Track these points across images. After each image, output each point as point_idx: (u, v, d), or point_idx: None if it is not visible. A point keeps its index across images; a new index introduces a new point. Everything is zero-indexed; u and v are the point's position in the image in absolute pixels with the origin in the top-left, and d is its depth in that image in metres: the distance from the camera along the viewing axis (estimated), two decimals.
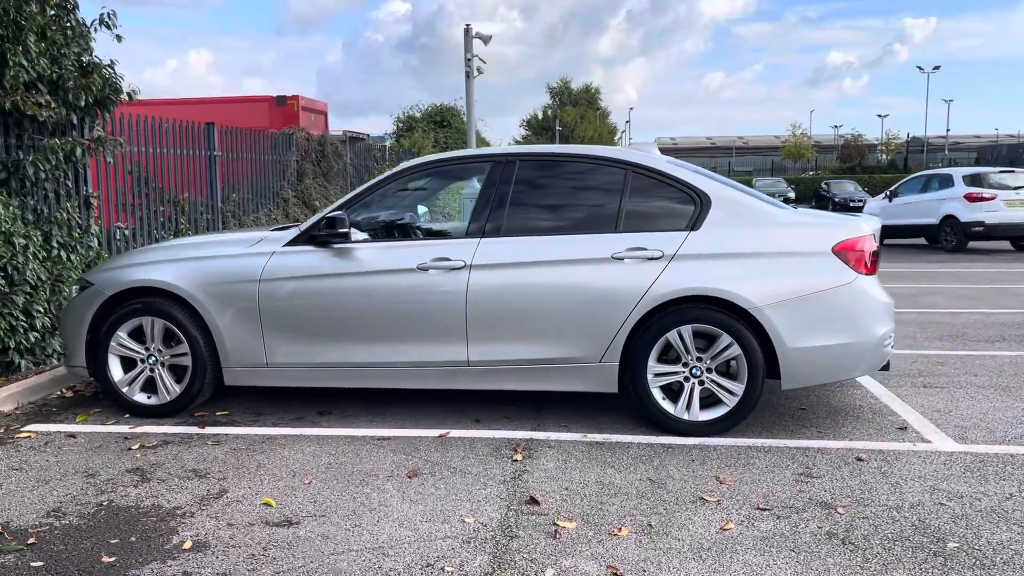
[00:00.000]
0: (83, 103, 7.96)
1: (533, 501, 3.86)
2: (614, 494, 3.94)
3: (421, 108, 24.25)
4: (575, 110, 51.18)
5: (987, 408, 5.25)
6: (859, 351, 4.70)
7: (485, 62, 17.28)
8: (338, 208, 5.13)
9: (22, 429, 5.03)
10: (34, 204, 7.97)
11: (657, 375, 4.74)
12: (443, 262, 4.86)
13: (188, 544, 3.46)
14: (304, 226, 5.14)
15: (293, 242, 5.08)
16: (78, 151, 8.09)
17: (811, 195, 40.06)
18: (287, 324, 5.03)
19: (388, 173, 5.25)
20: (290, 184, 13.74)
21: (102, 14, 8.76)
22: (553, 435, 4.79)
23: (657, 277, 4.67)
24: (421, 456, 4.47)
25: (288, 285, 5.01)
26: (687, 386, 4.73)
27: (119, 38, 8.87)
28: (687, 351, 4.69)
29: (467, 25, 16.53)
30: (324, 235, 5.00)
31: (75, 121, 8.17)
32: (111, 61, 8.66)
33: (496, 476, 4.17)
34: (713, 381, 4.71)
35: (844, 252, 4.66)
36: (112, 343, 5.18)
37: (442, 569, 3.22)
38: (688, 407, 4.73)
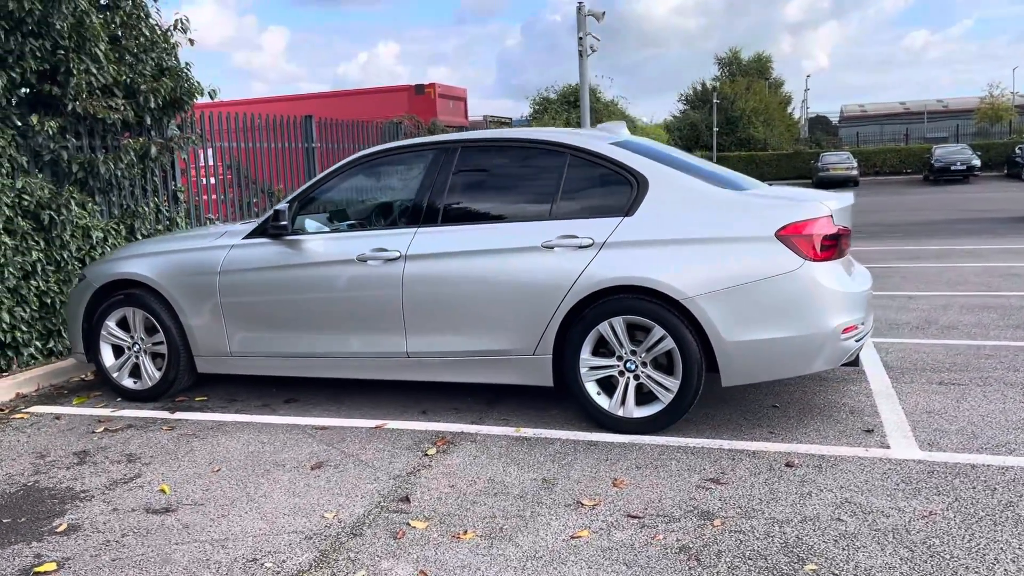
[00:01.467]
0: (152, 105, 8.47)
1: (405, 499, 3.80)
2: (494, 494, 3.81)
3: (556, 89, 24.15)
4: (742, 80, 49.13)
5: (992, 411, 4.64)
6: (807, 345, 4.27)
7: (599, 39, 16.92)
8: (291, 200, 5.22)
9: (24, 410, 5.49)
10: (120, 200, 8.64)
11: (592, 368, 4.52)
12: (381, 253, 4.85)
13: (63, 527, 3.66)
14: (262, 219, 5.28)
15: (251, 235, 5.23)
16: (152, 150, 8.66)
17: (1002, 162, 36.52)
18: (243, 314, 5.19)
19: (336, 165, 5.28)
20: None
21: (176, 20, 9.33)
22: (485, 429, 4.68)
23: (586, 266, 4.44)
24: (340, 447, 4.50)
25: (243, 277, 5.17)
26: (622, 381, 4.49)
27: (191, 42, 9.41)
28: (620, 344, 4.44)
29: (579, 2, 16.24)
30: (270, 228, 5.11)
31: (148, 122, 8.74)
32: (186, 64, 9.21)
33: (393, 471, 4.13)
34: (649, 376, 4.43)
35: (788, 236, 4.24)
36: (103, 332, 5.55)
37: (262, 564, 3.24)
38: (623, 403, 4.49)
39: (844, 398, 4.98)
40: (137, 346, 5.50)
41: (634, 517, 3.50)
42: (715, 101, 41.87)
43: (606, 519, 3.50)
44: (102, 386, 5.87)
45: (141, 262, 5.48)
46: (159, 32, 8.94)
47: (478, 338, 4.70)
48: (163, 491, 4.02)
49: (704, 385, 4.41)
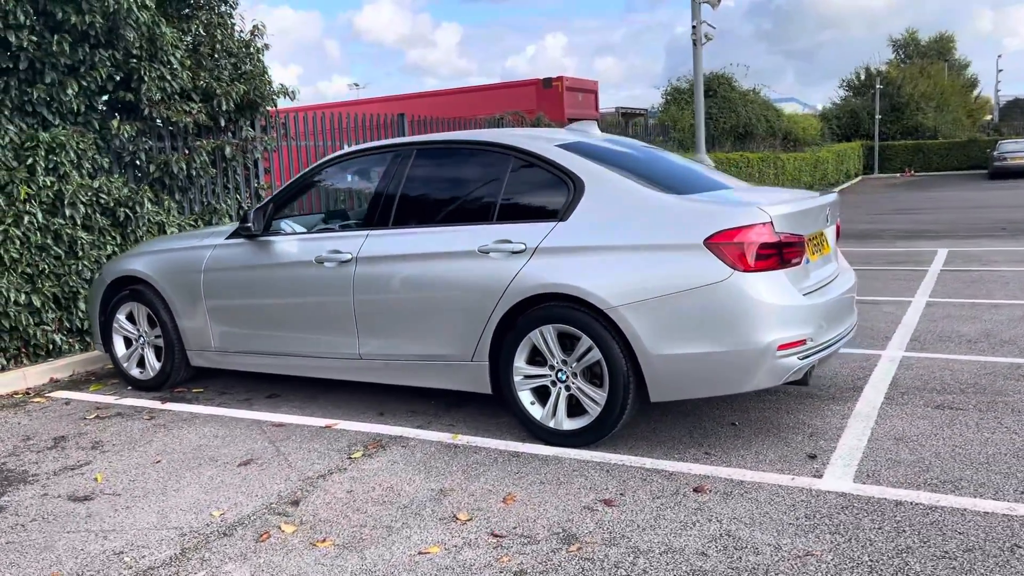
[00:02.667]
0: (225, 108, 8.94)
1: (295, 502, 3.85)
2: (382, 502, 3.79)
3: (689, 78, 23.40)
4: (916, 64, 45.83)
5: (970, 442, 4.16)
6: (738, 361, 3.97)
7: (715, 27, 16.27)
8: (267, 202, 5.37)
9: (48, 394, 5.97)
10: (200, 197, 9.21)
11: (527, 377, 4.40)
12: (335, 255, 4.91)
13: None
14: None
15: (232, 235, 5.43)
16: (227, 150, 9.16)
17: None
18: (223, 312, 5.41)
19: (309, 168, 5.38)
20: None
21: (254, 27, 9.80)
22: (425, 434, 4.66)
23: (518, 272, 4.33)
24: (279, 445, 4.61)
25: (222, 276, 5.38)
26: (553, 391, 4.35)
27: (266, 47, 9.83)
28: (552, 354, 4.30)
29: None
30: (241, 229, 5.28)
31: (223, 124, 9.23)
32: (262, 69, 9.65)
33: (308, 472, 4.20)
34: (579, 388, 4.27)
35: (717, 245, 3.96)
36: (115, 324, 5.93)
37: (122, 558, 3.38)
38: (554, 414, 4.35)
39: (815, 418, 4.60)
40: (142, 339, 5.84)
41: (496, 536, 3.40)
42: (877, 87, 39.27)
43: (467, 536, 3.41)
44: (119, 375, 6.27)
45: (142, 260, 5.81)
46: (236, 39, 9.41)
47: (421, 342, 4.68)
48: (96, 480, 4.26)
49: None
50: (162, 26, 8.15)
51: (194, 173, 8.88)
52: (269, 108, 10.08)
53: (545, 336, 4.28)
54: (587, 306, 4.15)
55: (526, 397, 4.41)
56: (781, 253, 4.03)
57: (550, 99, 21.39)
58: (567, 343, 4.27)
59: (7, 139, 7.27)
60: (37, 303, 6.58)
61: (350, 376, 5.02)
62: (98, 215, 7.71)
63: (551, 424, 4.35)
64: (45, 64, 7.39)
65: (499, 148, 4.66)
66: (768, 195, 4.53)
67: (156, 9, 8.12)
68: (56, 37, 7.23)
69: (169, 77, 8.37)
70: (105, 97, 8.38)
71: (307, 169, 5.36)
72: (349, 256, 4.85)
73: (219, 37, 9.05)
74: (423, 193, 4.90)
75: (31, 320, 6.77)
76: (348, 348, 4.94)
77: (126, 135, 8.17)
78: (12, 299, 6.62)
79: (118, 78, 8.06)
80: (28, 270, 7.03)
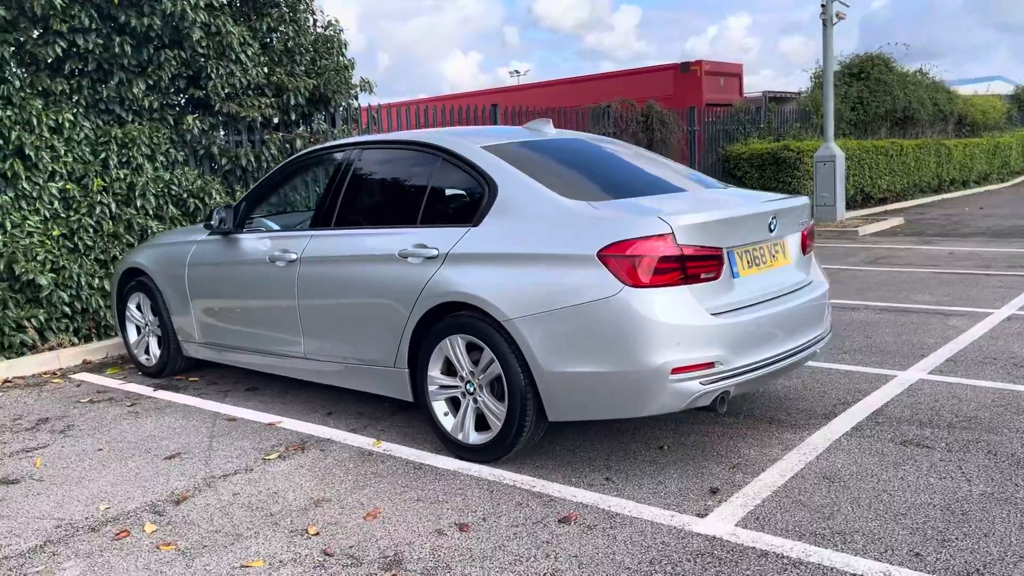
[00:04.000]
0: (293, 103, 9.24)
1: (178, 501, 3.92)
2: (254, 507, 3.79)
3: (842, 59, 21.83)
4: None
5: (905, 487, 3.65)
6: (628, 384, 3.67)
7: (848, 6, 15.03)
8: (242, 199, 5.47)
9: (70, 376, 6.40)
10: None
11: (442, 387, 4.28)
12: (284, 254, 4.95)
13: None
14: None
15: (211, 232, 5.58)
16: (298, 143, 9.47)
17: None
18: (202, 305, 5.59)
19: (278, 166, 5.42)
20: None
21: (328, 21, 10.04)
22: (351, 438, 4.63)
23: (430, 279, 4.20)
24: (217, 439, 4.71)
25: (200, 271, 5.56)
26: (463, 403, 4.20)
27: (346, 43, 10.01)
28: (461, 364, 4.16)
29: None
30: (206, 226, 5.42)
31: (293, 117, 9.54)
32: (339, 64, 9.85)
33: (216, 470, 4.26)
34: (484, 401, 4.11)
35: (609, 257, 3.67)
36: (127, 312, 6.27)
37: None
38: (463, 426, 4.20)
39: (754, 447, 4.19)
40: (147, 327, 6.15)
41: (327, 554, 3.32)
42: None
43: (300, 552, 3.35)
44: (132, 360, 6.62)
45: (145, 253, 6.10)
46: (311, 36, 9.65)
47: (352, 345, 4.65)
48: (35, 464, 4.51)
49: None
50: (227, 25, 8.48)
51: (264, 165, 9.22)
52: (347, 101, 10.34)
53: (454, 346, 4.13)
54: (489, 317, 3.97)
55: (440, 407, 4.28)
56: (685, 268, 3.67)
57: (688, 84, 20.67)
58: (476, 355, 4.11)
59: (82, 135, 7.82)
60: (108, 287, 7.11)
61: (299, 375, 5.06)
62: (169, 205, 8.18)
63: (459, 437, 4.20)
64: (113, 65, 7.87)
65: (429, 149, 4.53)
66: (696, 201, 4.15)
67: (224, 9, 8.47)
68: (118, 39, 7.69)
69: (239, 74, 8.71)
70: (183, 94, 8.86)
71: (277, 166, 5.41)
72: (295, 256, 4.88)
73: (291, 34, 9.32)
74: (361, 194, 4.85)
75: (102, 303, 7.31)
76: (295, 347, 4.98)
77: (197, 130, 8.59)
78: (86, 283, 7.18)
79: (188, 76, 8.50)
80: (101, 256, 7.57)
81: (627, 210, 3.85)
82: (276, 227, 5.44)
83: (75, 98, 7.84)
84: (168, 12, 7.76)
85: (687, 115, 16.19)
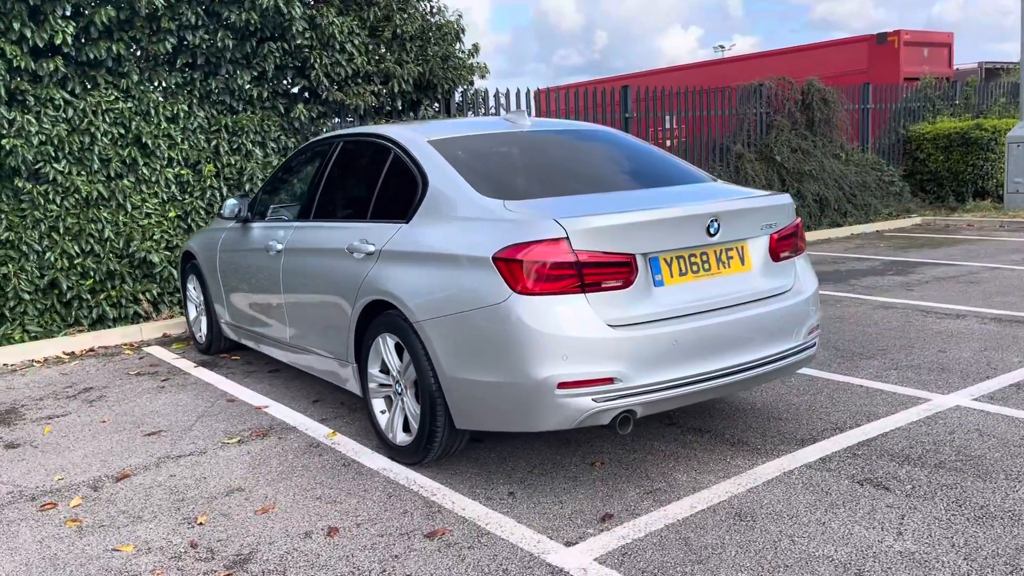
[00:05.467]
0: (397, 90, 9.46)
1: (121, 478, 4.16)
2: (173, 492, 3.94)
3: None
4: None
5: (808, 535, 3.20)
6: (516, 397, 3.46)
7: None
8: (260, 189, 5.66)
9: (144, 348, 6.95)
10: None
11: (381, 385, 4.25)
12: (273, 244, 5.09)
13: None
14: None
15: (235, 220, 5.82)
16: None
17: None
18: (227, 288, 5.87)
19: (288, 156, 5.54)
20: (749, 139, 13.12)
21: (439, 7, 10.14)
22: (314, 427, 4.70)
23: (366, 275, 4.17)
24: (199, 421, 4.95)
25: (225, 256, 5.84)
26: (394, 402, 4.15)
27: (463, 30, 10.05)
28: (390, 363, 4.11)
29: None
30: (222, 215, 5.65)
31: (400, 105, 9.76)
32: (455, 51, 9.93)
33: (175, 451, 4.47)
34: (407, 403, 4.04)
35: (501, 261, 3.46)
36: (187, 293, 6.71)
37: None
38: (392, 426, 4.16)
39: (688, 472, 3.82)
40: (199, 307, 6.54)
41: (193, 546, 3.39)
42: None
43: (170, 540, 3.44)
44: (191, 337, 7.04)
45: (197, 237, 6.47)
46: (419, 24, 9.78)
47: (319, 337, 4.71)
48: (44, 432, 4.95)
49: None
50: (330, 16, 8.78)
51: None
52: (463, 86, 10.41)
53: (385, 345, 4.08)
54: (406, 317, 3.88)
55: (378, 405, 4.25)
56: (581, 275, 3.39)
57: (884, 57, 19.03)
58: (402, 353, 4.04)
59: (196, 124, 8.43)
60: None
61: (287, 361, 5.19)
62: None
63: (390, 436, 4.16)
64: (220, 58, 8.39)
65: (385, 141, 4.47)
66: (618, 201, 3.79)
67: (331, 0, 8.77)
68: (220, 34, 8.17)
69: (344, 63, 9.01)
70: (292, 84, 9.30)
71: (287, 158, 5.55)
72: (280, 247, 5.00)
73: (397, 22, 9.50)
74: (333, 186, 4.87)
75: None
76: (281, 333, 5.11)
77: (304, 117, 9.00)
78: None
79: (295, 67, 8.90)
80: None
81: (534, 211, 3.60)
82: (287, 217, 5.58)
83: (189, 90, 8.41)
84: (264, 7, 8.13)
85: (860, 92, 14.91)
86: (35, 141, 7.33)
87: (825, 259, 10.21)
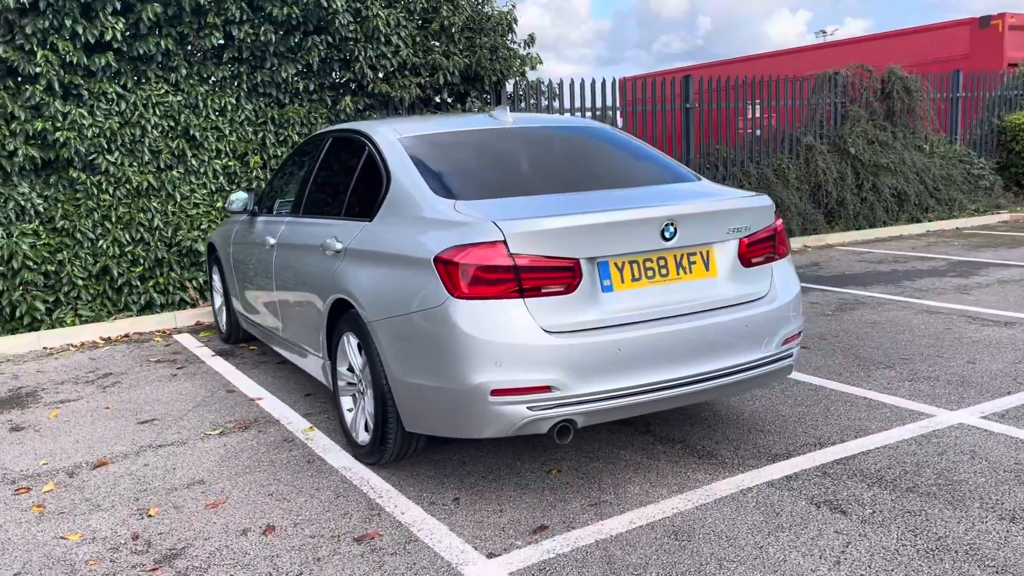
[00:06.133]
0: (442, 81, 9.46)
1: (98, 466, 4.28)
2: (141, 481, 4.03)
3: None
4: None
5: (740, 559, 3.04)
6: (454, 403, 3.40)
7: None
8: (269, 182, 5.73)
9: (173, 336, 7.16)
10: None
11: (349, 383, 4.26)
12: (268, 239, 5.15)
13: None
14: None
15: (245, 212, 5.91)
16: None
17: None
18: (238, 280, 5.98)
19: (291, 152, 5.57)
20: (822, 130, 12.61)
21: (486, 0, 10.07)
22: (297, 420, 4.74)
23: (333, 272, 4.17)
24: (192, 410, 5.06)
25: (235, 248, 5.95)
26: (359, 401, 4.15)
27: (516, 20, 9.97)
28: (353, 361, 4.11)
29: None
30: (227, 209, 5.74)
31: (446, 96, 9.75)
32: (496, 43, 9.87)
33: (160, 440, 4.58)
34: (366, 402, 4.03)
35: (439, 263, 3.40)
36: (213, 283, 6.88)
37: None
38: (355, 424, 4.15)
39: (643, 485, 3.68)
40: (223, 297, 6.70)
41: (135, 538, 3.46)
42: None
43: (119, 531, 3.52)
44: (216, 326, 7.19)
45: (218, 230, 6.61)
46: (463, 13, 9.72)
47: (303, 332, 4.74)
48: (50, 416, 5.15)
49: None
50: (375, 9, 8.82)
51: None
52: (514, 78, 10.32)
53: (348, 343, 4.08)
54: (362, 316, 3.86)
55: (346, 402, 4.25)
56: (519, 279, 3.30)
57: (987, 41, 18.01)
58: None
59: (243, 116, 8.64)
60: None
61: (283, 354, 5.25)
62: None
63: (353, 434, 4.15)
64: (265, 52, 8.55)
65: (363, 138, 4.45)
66: (570, 203, 3.65)
67: None
68: (263, 28, 8.32)
69: (390, 55, 9.06)
70: (337, 76, 9.38)
71: (290, 153, 5.59)
72: (273, 241, 5.05)
73: (444, 14, 9.48)
74: (319, 182, 4.89)
75: None
76: (275, 327, 5.18)
77: (349, 109, 9.10)
78: None
79: (341, 60, 8.99)
80: None
81: (481, 213, 3.51)
82: (285, 211, 5.63)
83: (236, 83, 8.60)
84: (305, 1, 8.24)
85: (950, 80, 14.13)
86: (89, 134, 7.62)
87: (887, 258, 9.74)
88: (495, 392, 3.27)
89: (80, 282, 7.61)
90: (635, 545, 3.14)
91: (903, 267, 9.04)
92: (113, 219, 7.81)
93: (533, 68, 10.35)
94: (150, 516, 3.63)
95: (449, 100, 9.81)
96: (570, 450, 4.09)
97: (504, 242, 3.28)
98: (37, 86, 7.49)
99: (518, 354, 3.26)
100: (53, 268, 7.49)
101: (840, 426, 4.24)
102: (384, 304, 3.66)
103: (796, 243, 11.24)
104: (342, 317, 4.09)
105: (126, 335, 7.26)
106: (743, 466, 3.80)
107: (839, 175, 12.36)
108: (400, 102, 9.34)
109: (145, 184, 7.98)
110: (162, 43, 7.98)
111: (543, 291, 3.31)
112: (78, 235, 7.69)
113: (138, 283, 7.83)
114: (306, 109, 8.97)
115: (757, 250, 3.77)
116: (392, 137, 4.21)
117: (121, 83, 7.98)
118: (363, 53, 8.88)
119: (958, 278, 8.17)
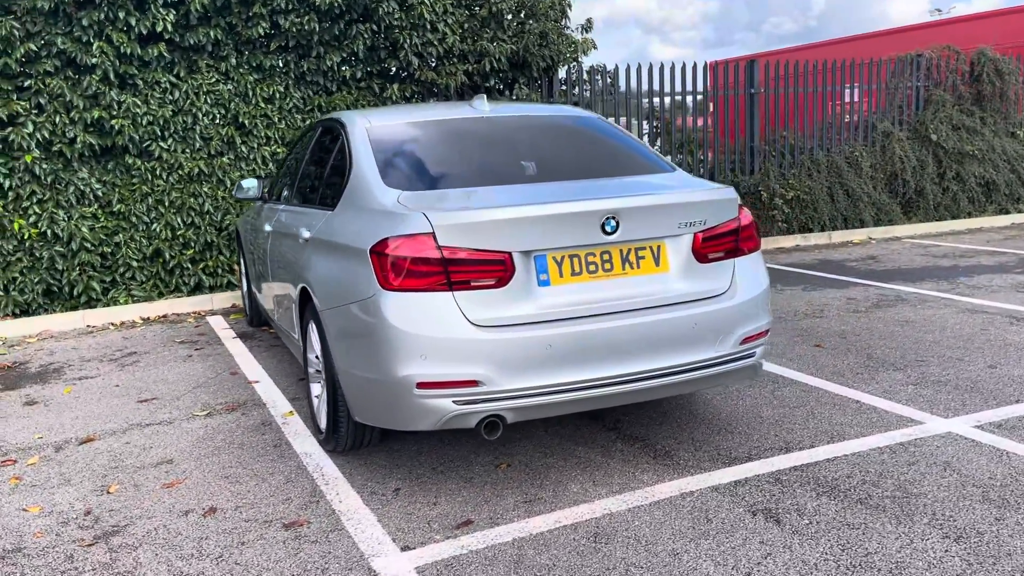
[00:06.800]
0: (488, 69, 9.45)
1: (85, 442, 4.48)
2: (116, 458, 4.19)
3: None
4: None
5: (650, 566, 2.94)
6: (386, 395, 3.40)
7: None
8: (278, 169, 5.84)
9: (206, 318, 7.41)
10: None
11: (317, 371, 4.32)
12: (267, 226, 5.26)
13: None
14: None
15: (260, 200, 6.03)
16: None
17: None
18: (250, 264, 6.13)
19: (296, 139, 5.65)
20: (901, 116, 12.01)
21: None
22: (281, 405, 4.83)
23: (301, 261, 4.24)
24: (192, 391, 5.22)
25: (248, 235, 6.09)
26: (323, 388, 4.20)
27: (569, 6, 9.87)
28: (316, 349, 4.16)
29: None
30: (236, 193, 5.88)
31: (493, 83, 9.73)
32: (547, 30, 9.76)
33: (152, 419, 4.75)
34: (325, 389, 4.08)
35: (373, 255, 3.40)
36: (241, 267, 7.08)
37: None
38: (319, 411, 4.21)
39: (586, 484, 3.60)
40: (247, 282, 6.88)
41: (87, 514, 3.60)
42: None
43: (75, 505, 3.67)
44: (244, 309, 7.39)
45: (243, 215, 6.77)
46: (514, 2, 9.65)
47: (285, 316, 4.83)
48: (64, 392, 5.41)
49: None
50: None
51: None
52: (568, 64, 10.20)
53: (312, 330, 4.13)
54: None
55: (315, 389, 4.32)
56: (447, 272, 3.27)
57: None
58: None
59: (291, 104, 8.85)
60: None
61: (279, 335, 5.36)
62: None
63: (318, 420, 4.21)
64: (310, 41, 8.71)
65: (338, 126, 4.48)
66: (507, 194, 3.58)
67: None
68: (306, 18, 8.47)
69: (437, 42, 9.10)
70: (388, 65, 9.46)
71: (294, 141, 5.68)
72: (269, 229, 5.15)
73: (491, 3, 9.43)
74: (303, 171, 4.96)
75: None
76: (271, 308, 5.29)
77: (395, 97, 9.19)
78: None
79: (387, 47, 9.08)
80: None
81: (420, 204, 3.49)
82: (285, 197, 5.72)
83: (284, 72, 8.79)
84: None
85: None
86: (143, 121, 7.93)
87: (953, 252, 9.22)
88: (420, 385, 3.25)
89: (134, 263, 7.94)
90: (549, 546, 3.07)
91: (966, 262, 8.54)
92: (166, 203, 8.11)
93: (586, 54, 10.21)
94: (109, 493, 3.76)
95: (500, 87, 9.77)
96: (527, 444, 4.04)
97: (432, 234, 3.25)
98: (94, 76, 7.82)
99: (444, 347, 3.23)
100: (110, 250, 7.83)
101: (817, 430, 4.05)
102: (331, 294, 3.69)
103: (861, 234, 10.78)
104: (308, 305, 4.14)
105: (164, 316, 7.55)
106: (695, 468, 3.67)
107: (918, 163, 11.77)
108: (446, 89, 9.36)
109: (196, 170, 8.25)
110: (211, 33, 8.21)
111: (473, 284, 3.27)
112: (133, 218, 8.02)
113: (189, 265, 8.11)
114: (353, 97, 9.08)
115: (714, 245, 3.62)
116: (362, 127, 4.23)
117: (174, 72, 8.25)
118: (407, 41, 8.92)
119: (1023, 276, 7.67)
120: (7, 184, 7.64)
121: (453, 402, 3.25)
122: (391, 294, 3.29)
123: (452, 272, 3.25)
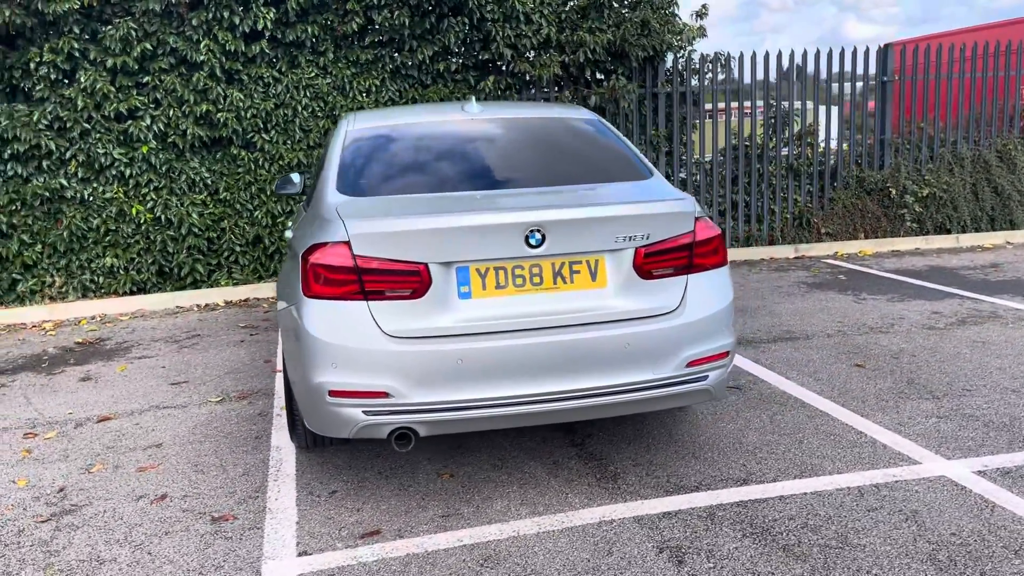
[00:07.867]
0: (582, 59, 9.31)
1: (102, 420, 4.83)
2: (115, 438, 4.49)
3: None
4: None
5: None
6: (307, 398, 3.45)
7: None
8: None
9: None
10: None
11: None
12: (291, 227, 5.42)
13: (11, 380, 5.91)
14: None
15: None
16: (592, 99, 9.49)
17: None
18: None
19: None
20: None
21: None
22: (282, 398, 4.99)
23: (285, 263, 4.37)
24: (224, 376, 5.50)
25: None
26: None
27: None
28: None
29: None
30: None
31: (588, 74, 9.58)
32: (647, 18, 9.48)
33: (170, 403, 5.06)
34: None
35: (303, 261, 3.44)
36: None
37: None
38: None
39: (511, 502, 3.51)
40: None
41: (60, 490, 3.89)
42: None
43: (55, 482, 3.97)
44: None
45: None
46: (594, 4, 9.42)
47: None
48: (117, 370, 5.83)
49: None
50: None
51: None
52: (675, 53, 9.86)
53: None
54: None
55: None
56: (362, 281, 3.27)
57: None
58: None
59: (387, 97, 9.11)
60: None
61: None
62: None
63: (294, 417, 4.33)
64: (403, 35, 8.89)
65: (334, 125, 4.54)
66: (433, 203, 3.50)
67: None
68: (396, 12, 8.64)
69: (531, 34, 9.06)
70: (481, 57, 9.45)
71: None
72: (291, 233, 5.31)
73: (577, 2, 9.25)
74: (314, 170, 5.04)
75: None
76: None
77: (489, 89, 9.25)
78: None
79: (480, 40, 9.10)
80: None
81: (349, 211, 3.48)
82: None
83: (380, 65, 9.03)
84: None
85: None
86: (247, 115, 8.39)
87: None
88: (332, 393, 3.27)
89: (237, 248, 8.43)
90: (436, 565, 3.02)
91: None
92: (268, 192, 8.54)
93: (690, 43, 9.80)
94: (90, 473, 4.04)
95: (600, 77, 9.56)
96: (481, 454, 3.97)
97: (348, 243, 3.25)
98: (202, 72, 8.33)
99: (354, 357, 3.24)
100: (216, 235, 8.36)
101: (791, 463, 3.74)
102: (280, 294, 3.80)
103: (997, 238, 9.81)
104: None
105: (245, 300, 7.97)
106: (633, 495, 3.49)
107: None
108: (539, 80, 9.28)
109: (296, 161, 8.62)
110: (309, 29, 8.53)
111: (388, 295, 3.25)
112: (237, 206, 8.51)
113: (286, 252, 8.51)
114: (449, 89, 9.18)
115: (659, 261, 3.41)
116: (343, 129, 4.28)
117: (276, 68, 8.64)
118: (500, 33, 8.89)
119: None
120: (127, 172, 8.27)
121: (363, 412, 3.25)
122: (311, 301, 3.32)
123: (367, 281, 3.24)
